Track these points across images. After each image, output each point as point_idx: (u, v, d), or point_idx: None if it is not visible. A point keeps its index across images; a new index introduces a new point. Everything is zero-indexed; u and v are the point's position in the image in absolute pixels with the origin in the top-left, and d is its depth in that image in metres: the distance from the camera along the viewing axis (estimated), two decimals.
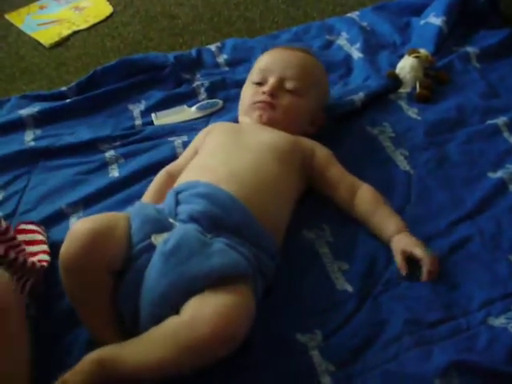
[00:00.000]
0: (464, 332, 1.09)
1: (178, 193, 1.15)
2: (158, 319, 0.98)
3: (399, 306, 1.13)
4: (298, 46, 1.54)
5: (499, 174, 1.39)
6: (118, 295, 1.05)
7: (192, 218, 1.08)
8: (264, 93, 1.39)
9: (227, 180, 1.17)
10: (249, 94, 1.43)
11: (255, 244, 1.10)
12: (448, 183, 1.38)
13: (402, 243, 1.18)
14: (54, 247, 1.16)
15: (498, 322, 1.11)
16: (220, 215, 1.09)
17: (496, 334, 1.08)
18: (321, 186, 1.33)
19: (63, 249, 1.03)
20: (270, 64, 1.44)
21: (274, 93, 1.38)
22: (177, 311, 0.98)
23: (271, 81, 1.40)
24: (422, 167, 1.41)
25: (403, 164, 1.42)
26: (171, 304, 0.98)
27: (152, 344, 0.95)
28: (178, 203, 1.13)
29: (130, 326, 1.05)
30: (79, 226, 1.05)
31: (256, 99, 1.40)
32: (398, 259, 1.17)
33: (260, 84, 1.42)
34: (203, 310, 0.94)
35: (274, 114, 1.38)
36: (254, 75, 1.46)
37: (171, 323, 0.96)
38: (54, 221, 1.33)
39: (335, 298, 1.15)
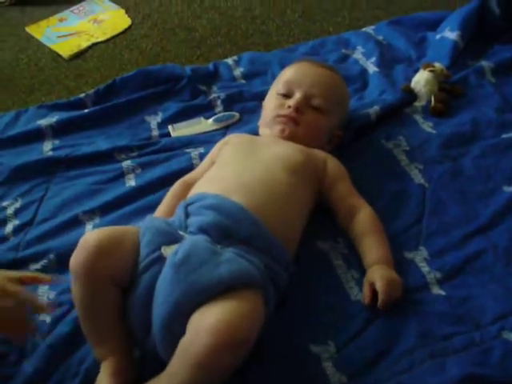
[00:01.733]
0: (477, 345, 1.09)
1: (187, 205, 1.16)
2: (171, 332, 0.99)
3: (412, 319, 1.13)
4: (325, 63, 1.55)
5: None
6: (127, 309, 1.06)
7: (201, 230, 1.09)
8: (289, 107, 1.39)
9: (238, 190, 1.17)
10: (273, 105, 1.43)
11: (267, 254, 1.10)
12: (462, 197, 1.38)
13: (373, 275, 1.16)
14: (69, 254, 1.16)
15: None
16: (229, 226, 1.10)
17: (510, 348, 1.08)
18: (327, 200, 1.33)
19: (72, 257, 1.05)
20: (297, 77, 1.44)
21: (299, 108, 1.38)
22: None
23: (298, 95, 1.40)
24: (437, 181, 1.41)
25: (418, 177, 1.42)
26: (183, 315, 0.98)
27: (173, 373, 0.96)
28: (187, 215, 1.14)
29: (140, 342, 1.06)
30: (88, 237, 1.06)
31: (280, 112, 1.40)
32: (365, 288, 1.16)
33: (285, 96, 1.42)
34: (205, 321, 0.94)
35: (296, 129, 1.38)
36: (279, 86, 1.45)
37: (181, 345, 0.96)
38: (70, 227, 1.35)
39: (349, 309, 1.16)
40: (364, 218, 1.27)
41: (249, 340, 0.96)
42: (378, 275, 1.15)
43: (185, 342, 0.96)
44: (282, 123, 1.39)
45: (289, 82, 1.44)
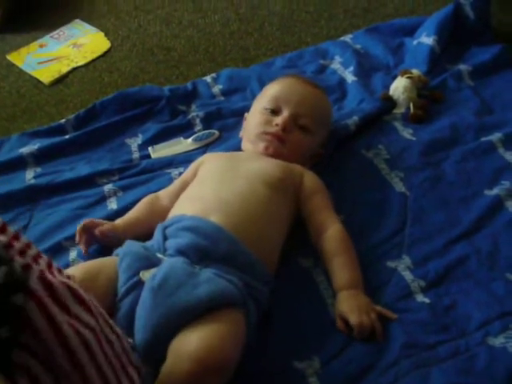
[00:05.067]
0: (463, 353, 1.09)
1: (165, 228, 1.17)
2: (153, 357, 0.99)
3: (396, 330, 1.13)
4: (312, 81, 1.54)
5: (495, 191, 1.40)
6: None
7: (180, 252, 1.10)
8: (277, 125, 1.38)
9: (216, 209, 1.18)
10: (259, 121, 1.42)
11: (246, 271, 1.11)
12: (444, 203, 1.39)
13: (342, 307, 1.14)
14: None
15: (497, 341, 1.11)
16: (206, 246, 1.11)
17: (495, 354, 1.08)
18: (302, 214, 1.32)
19: None
20: (284, 94, 1.43)
21: (287, 127, 1.38)
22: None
23: (285, 114, 1.39)
24: (418, 188, 1.42)
25: (399, 185, 1.43)
26: (164, 339, 0.98)
27: None
28: (165, 238, 1.15)
29: None
30: (70, 272, 1.06)
31: (267, 130, 1.39)
32: (338, 321, 1.14)
33: (272, 112, 1.41)
34: (186, 347, 0.94)
35: (281, 148, 1.38)
36: (265, 101, 1.44)
37: (163, 370, 0.96)
38: (54, 255, 1.34)
39: (332, 324, 1.15)
40: (333, 236, 1.25)
41: (231, 361, 0.97)
42: (348, 308, 1.13)
43: (167, 368, 0.96)
44: (267, 141, 1.38)
45: (276, 97, 1.43)
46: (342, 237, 1.25)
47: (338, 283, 1.19)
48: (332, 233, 1.25)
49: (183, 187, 1.36)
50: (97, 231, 1.28)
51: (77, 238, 1.30)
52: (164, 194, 1.38)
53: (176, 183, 1.41)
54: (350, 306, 1.13)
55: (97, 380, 0.77)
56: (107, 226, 1.30)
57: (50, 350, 0.73)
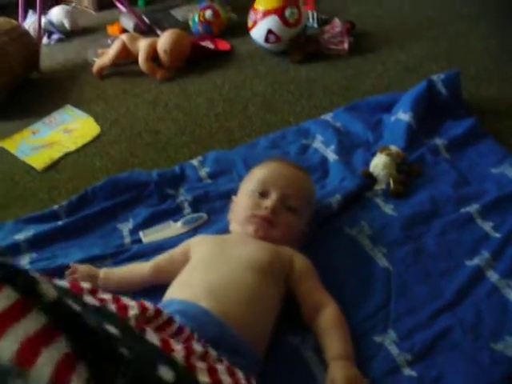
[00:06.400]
0: None
1: None
2: None
3: None
4: (296, 164, 1.59)
5: (476, 261, 1.44)
6: None
7: None
8: (266, 208, 1.42)
9: (205, 295, 1.21)
10: (247, 204, 1.46)
11: (234, 354, 1.13)
12: (426, 276, 1.42)
13: (334, 375, 1.16)
14: None
15: None
16: (194, 329, 1.13)
17: None
18: (294, 295, 1.34)
19: None
20: (271, 177, 1.48)
21: (276, 210, 1.42)
22: None
23: (274, 196, 1.43)
24: (401, 262, 1.46)
25: (382, 261, 1.47)
26: None
27: None
28: None
29: None
30: None
31: (256, 213, 1.43)
32: None
33: (261, 195, 1.45)
34: None
35: (271, 230, 1.41)
36: (253, 185, 1.48)
37: None
38: None
39: None
40: (329, 313, 1.28)
41: None
42: (340, 376, 1.15)
43: None
44: (256, 224, 1.42)
45: (264, 181, 1.47)
46: (338, 315, 1.28)
47: (331, 353, 1.21)
48: (329, 311, 1.29)
49: (169, 262, 1.43)
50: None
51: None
52: (149, 262, 1.46)
53: (163, 256, 1.47)
54: (342, 375, 1.15)
55: None
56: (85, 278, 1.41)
57: None
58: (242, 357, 1.14)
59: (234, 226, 1.50)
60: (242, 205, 1.48)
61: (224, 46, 2.72)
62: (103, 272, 1.46)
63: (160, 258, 1.47)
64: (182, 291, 1.26)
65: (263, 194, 1.46)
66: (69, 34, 3.07)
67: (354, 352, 1.22)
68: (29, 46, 2.56)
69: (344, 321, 1.28)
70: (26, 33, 2.58)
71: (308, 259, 1.40)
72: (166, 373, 0.84)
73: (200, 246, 1.43)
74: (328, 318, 1.28)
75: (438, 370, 1.22)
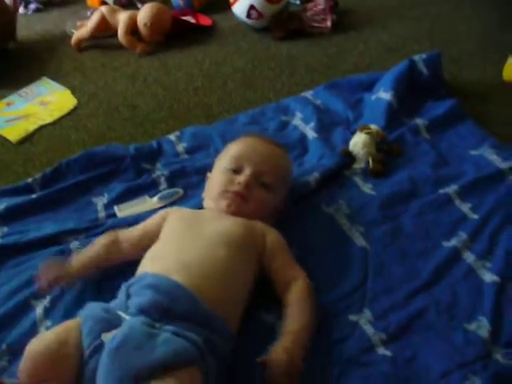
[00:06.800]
0: None
1: (129, 286, 1.20)
2: None
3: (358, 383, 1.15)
4: (272, 140, 1.57)
5: (453, 242, 1.44)
6: None
7: (141, 310, 1.12)
8: (239, 183, 1.41)
9: (177, 269, 1.20)
10: (221, 180, 1.44)
11: (206, 328, 1.12)
12: (403, 256, 1.42)
13: (272, 354, 1.14)
14: (19, 343, 1.23)
15: None
16: (167, 304, 1.12)
17: None
18: (266, 271, 1.34)
19: (20, 370, 1.09)
20: (246, 153, 1.46)
21: (249, 185, 1.41)
22: None
23: (247, 172, 1.42)
24: (378, 242, 1.45)
25: (359, 240, 1.46)
26: None
27: None
28: (128, 296, 1.17)
29: None
30: (30, 346, 1.11)
31: (229, 188, 1.41)
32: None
33: (234, 171, 1.43)
34: None
35: (243, 205, 1.40)
36: (227, 161, 1.46)
37: None
38: (21, 314, 1.36)
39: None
40: (296, 289, 1.28)
41: None
42: (276, 357, 1.13)
43: None
44: (229, 199, 1.40)
45: (238, 157, 1.46)
46: (306, 291, 1.28)
47: (284, 329, 1.21)
48: (297, 287, 1.28)
49: (144, 236, 1.40)
50: (51, 283, 1.34)
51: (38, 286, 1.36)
52: (124, 237, 1.41)
53: (137, 230, 1.43)
54: (275, 349, 1.15)
55: None
56: (60, 276, 1.35)
57: None
58: (215, 332, 1.14)
59: (207, 203, 1.48)
60: (215, 181, 1.46)
61: (205, 21, 2.67)
62: (76, 264, 1.38)
63: (135, 232, 1.42)
64: (154, 264, 1.25)
65: (237, 171, 1.44)
66: (47, 4, 2.99)
67: (310, 328, 1.22)
68: (5, 14, 2.50)
69: (309, 296, 1.27)
70: (1, 1, 2.52)
71: (280, 234, 1.39)
72: None
73: (173, 220, 1.41)
74: (293, 294, 1.27)
75: (412, 350, 1.23)
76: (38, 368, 1.07)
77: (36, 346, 1.10)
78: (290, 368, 1.12)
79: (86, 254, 1.39)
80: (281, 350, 1.14)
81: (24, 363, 1.09)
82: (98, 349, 1.07)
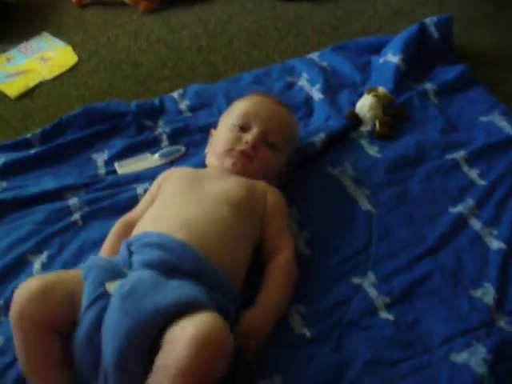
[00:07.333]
0: (425, 369, 1.11)
1: (130, 244, 1.17)
2: (123, 369, 0.99)
3: (362, 347, 1.15)
4: (279, 100, 1.54)
5: (459, 208, 1.42)
6: (73, 353, 1.05)
7: (146, 266, 1.09)
8: (246, 142, 1.37)
9: (181, 228, 1.17)
10: (227, 137, 1.41)
11: (212, 287, 1.10)
12: (409, 220, 1.40)
13: (241, 322, 1.15)
14: None
15: (460, 358, 1.13)
16: (173, 261, 1.10)
17: (457, 370, 1.10)
18: (261, 233, 1.32)
19: (12, 306, 1.06)
20: (254, 111, 1.43)
21: (256, 144, 1.38)
22: (146, 351, 0.98)
23: (255, 130, 1.39)
24: (383, 206, 1.43)
25: (364, 203, 1.44)
26: (136, 348, 0.98)
27: None
28: (131, 254, 1.14)
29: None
30: (21, 287, 1.07)
31: (236, 147, 1.38)
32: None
33: (242, 128, 1.40)
34: (184, 332, 0.94)
35: (248, 165, 1.37)
36: (234, 118, 1.43)
37: (159, 362, 0.96)
38: (18, 269, 1.35)
39: (292, 342, 1.16)
40: (279, 261, 1.26)
41: (229, 342, 0.97)
42: (243, 320, 1.14)
43: (163, 360, 0.95)
44: (235, 157, 1.38)
45: (246, 114, 1.42)
46: (287, 264, 1.27)
47: (257, 299, 1.20)
48: (280, 258, 1.27)
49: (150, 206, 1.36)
50: None
51: None
52: (133, 218, 1.35)
53: (143, 203, 1.39)
54: (245, 320, 1.15)
55: None
56: None
57: None
58: (221, 291, 1.12)
59: (211, 160, 1.45)
60: (221, 138, 1.43)
61: None
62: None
63: (142, 206, 1.38)
64: (157, 223, 1.22)
65: (244, 128, 1.41)
66: None
67: (283, 303, 1.22)
68: None
69: (289, 272, 1.26)
70: None
71: (281, 194, 1.37)
72: None
73: (173, 180, 1.38)
74: (276, 264, 1.26)
75: (415, 314, 1.22)
76: (26, 308, 1.03)
77: (24, 287, 1.06)
78: (254, 340, 1.13)
79: (106, 248, 1.32)
80: (249, 321, 1.14)
81: (12, 306, 1.05)
82: (101, 297, 1.04)
